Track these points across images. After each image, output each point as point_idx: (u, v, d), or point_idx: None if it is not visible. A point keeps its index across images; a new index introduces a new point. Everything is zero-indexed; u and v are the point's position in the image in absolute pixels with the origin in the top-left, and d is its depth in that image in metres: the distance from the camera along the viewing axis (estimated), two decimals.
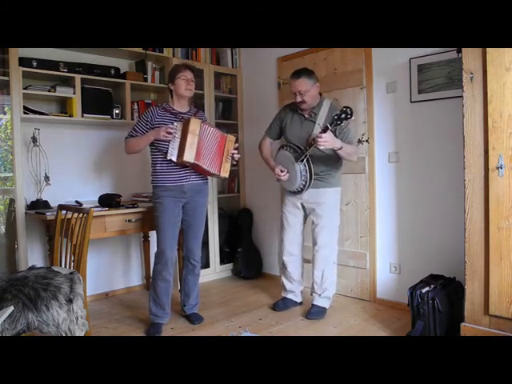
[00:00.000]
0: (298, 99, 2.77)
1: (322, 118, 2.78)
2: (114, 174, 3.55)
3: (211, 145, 2.68)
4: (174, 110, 2.75)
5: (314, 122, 2.79)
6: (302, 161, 2.74)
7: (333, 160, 2.81)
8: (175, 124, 2.65)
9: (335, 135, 2.68)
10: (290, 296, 3.12)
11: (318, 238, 2.91)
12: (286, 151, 2.86)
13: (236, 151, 2.77)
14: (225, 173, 2.76)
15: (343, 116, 2.51)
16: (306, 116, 2.86)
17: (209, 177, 2.89)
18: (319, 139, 2.51)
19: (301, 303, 3.16)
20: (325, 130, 2.55)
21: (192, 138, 2.57)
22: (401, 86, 2.98)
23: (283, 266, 3.10)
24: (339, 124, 2.54)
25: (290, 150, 2.82)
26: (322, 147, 2.56)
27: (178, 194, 2.70)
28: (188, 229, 2.83)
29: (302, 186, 2.81)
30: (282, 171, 2.87)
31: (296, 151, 2.78)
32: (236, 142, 2.78)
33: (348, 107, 2.52)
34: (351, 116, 2.51)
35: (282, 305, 3.09)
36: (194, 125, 2.59)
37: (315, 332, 2.70)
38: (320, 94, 2.88)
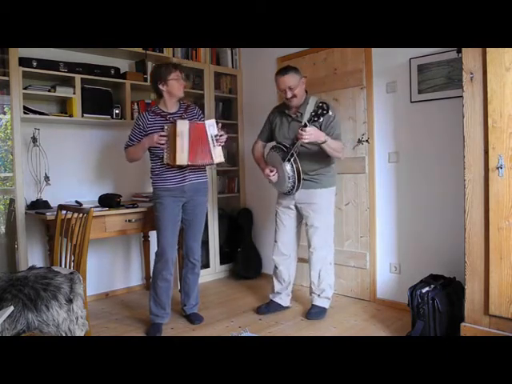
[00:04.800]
0: (289, 95, 2.74)
1: (307, 116, 2.71)
2: (113, 173, 3.55)
3: (199, 140, 2.62)
4: (163, 112, 2.72)
5: (300, 122, 2.76)
6: (289, 160, 2.71)
7: (321, 158, 2.77)
8: (166, 127, 2.63)
9: (320, 130, 2.68)
10: (276, 299, 3.06)
11: (312, 239, 2.89)
12: (274, 152, 2.84)
13: (221, 133, 2.67)
14: (218, 158, 2.68)
15: (319, 112, 2.51)
16: (293, 116, 2.84)
17: (210, 168, 2.82)
18: (301, 134, 2.52)
19: (287, 307, 3.08)
20: (304, 126, 2.55)
21: (181, 141, 2.54)
22: (401, 86, 2.98)
23: (274, 266, 3.05)
24: (316, 120, 2.55)
25: (278, 151, 2.80)
26: (306, 141, 2.54)
27: (178, 193, 2.70)
28: (188, 228, 2.83)
29: (290, 188, 2.78)
30: (271, 171, 2.84)
31: (283, 151, 2.76)
32: (217, 123, 2.67)
33: (324, 102, 2.52)
34: (327, 111, 2.51)
35: (265, 309, 3.03)
36: (181, 126, 2.55)
37: (315, 332, 2.70)
38: (306, 92, 2.86)
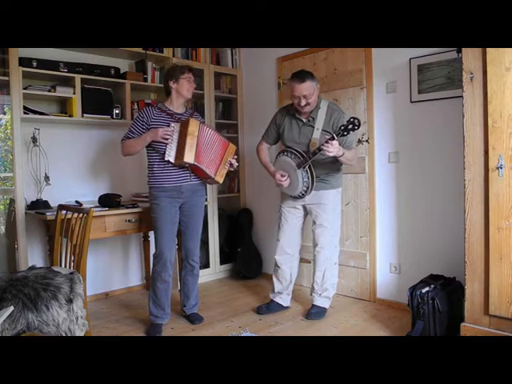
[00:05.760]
0: (303, 103, 2.67)
1: (320, 121, 2.73)
2: (113, 173, 3.55)
3: (210, 146, 2.68)
4: (170, 110, 2.73)
5: (313, 127, 2.75)
6: (305, 167, 2.70)
7: (334, 163, 2.77)
8: (172, 125, 2.64)
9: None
10: (276, 299, 3.04)
11: (319, 239, 2.88)
12: (286, 157, 2.80)
13: (235, 158, 2.79)
14: (220, 177, 2.75)
15: (350, 127, 2.48)
16: (304, 121, 2.79)
17: (203, 180, 2.86)
18: (326, 148, 2.48)
19: (287, 307, 3.08)
20: (332, 139, 2.49)
21: (191, 140, 2.57)
22: (401, 86, 2.98)
23: (276, 265, 3.02)
24: (345, 135, 2.53)
25: (291, 156, 2.76)
26: (331, 155, 2.50)
27: (175, 194, 2.69)
28: (186, 229, 2.82)
29: (303, 192, 2.77)
30: (282, 176, 2.82)
31: (297, 157, 2.72)
32: (236, 153, 2.82)
33: (356, 118, 2.48)
34: (358, 127, 2.48)
35: (265, 309, 3.02)
36: (193, 126, 2.58)
37: (315, 332, 2.70)
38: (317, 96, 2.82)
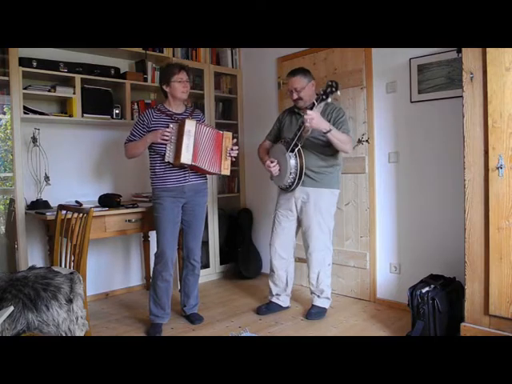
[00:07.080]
0: (295, 96, 2.78)
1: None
2: (114, 173, 3.55)
3: (208, 144, 2.67)
4: (169, 111, 2.74)
5: None
6: (293, 151, 2.70)
7: (327, 153, 2.76)
8: (171, 126, 2.64)
9: None
10: (274, 300, 3.05)
11: (311, 241, 2.86)
12: (279, 144, 2.85)
13: (235, 147, 2.77)
14: (225, 170, 2.75)
15: (329, 90, 2.50)
16: (302, 114, 2.80)
17: (209, 175, 2.87)
18: (305, 116, 2.50)
19: (287, 308, 3.08)
20: (311, 108, 2.54)
21: (187, 140, 2.56)
22: (401, 86, 2.98)
23: (271, 270, 3.02)
24: (325, 99, 2.53)
25: (284, 143, 2.80)
26: (308, 124, 2.52)
27: (178, 194, 2.70)
28: (188, 229, 2.83)
29: (291, 182, 2.75)
30: (272, 162, 2.83)
31: (288, 143, 2.75)
32: (233, 138, 2.78)
33: (333, 81, 2.51)
34: (336, 89, 2.49)
35: (264, 309, 3.02)
36: (189, 126, 2.58)
37: (315, 332, 2.70)
38: (316, 95, 2.84)
